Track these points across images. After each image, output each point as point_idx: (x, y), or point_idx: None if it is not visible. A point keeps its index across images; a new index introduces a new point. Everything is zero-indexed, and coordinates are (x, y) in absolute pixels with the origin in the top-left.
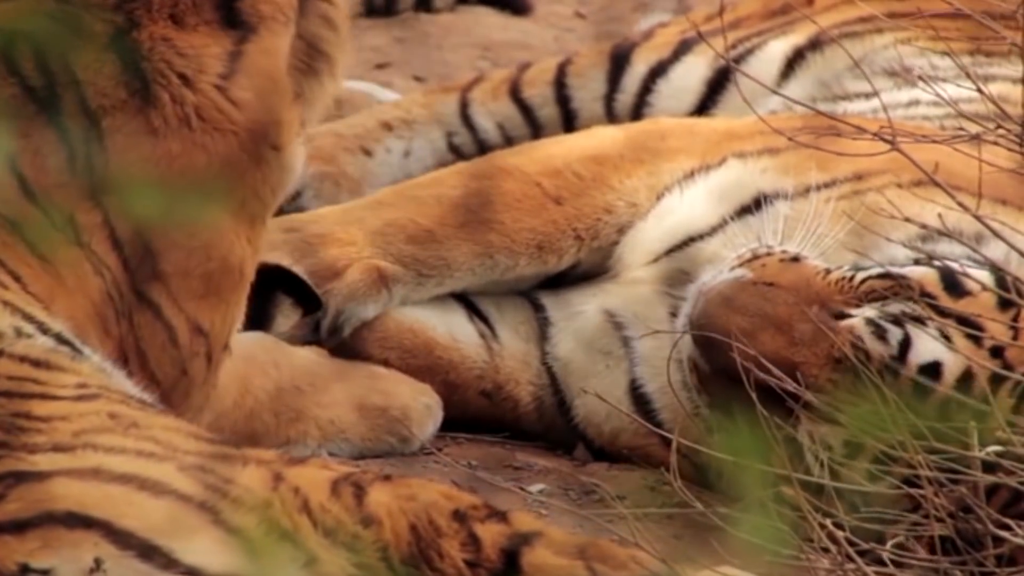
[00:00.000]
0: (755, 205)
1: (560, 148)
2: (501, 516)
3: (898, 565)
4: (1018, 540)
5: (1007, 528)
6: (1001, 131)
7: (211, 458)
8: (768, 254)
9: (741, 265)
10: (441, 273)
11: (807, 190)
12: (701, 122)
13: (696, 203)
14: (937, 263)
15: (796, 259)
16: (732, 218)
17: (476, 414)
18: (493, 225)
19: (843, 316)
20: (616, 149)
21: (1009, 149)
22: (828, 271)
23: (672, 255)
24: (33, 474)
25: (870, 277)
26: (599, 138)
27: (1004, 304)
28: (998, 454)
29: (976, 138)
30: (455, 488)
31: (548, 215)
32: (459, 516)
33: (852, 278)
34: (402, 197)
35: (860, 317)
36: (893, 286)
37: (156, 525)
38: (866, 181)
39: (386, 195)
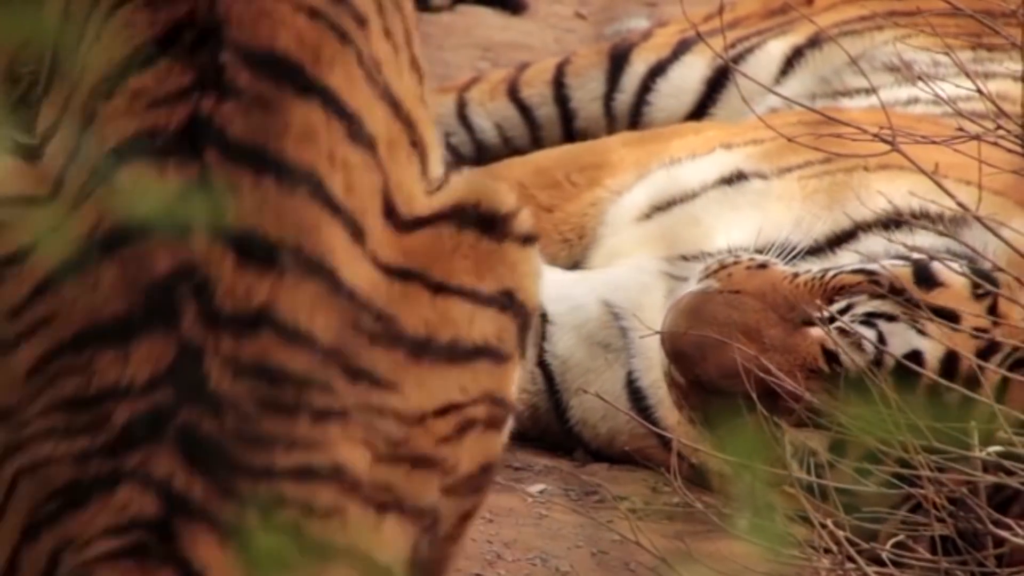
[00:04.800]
0: (734, 178)
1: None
2: None
3: (897, 565)
4: (1018, 540)
5: (1007, 527)
6: (1001, 132)
7: None
8: (735, 263)
9: (708, 276)
10: None
11: (785, 170)
12: (707, 126)
13: (680, 174)
14: (912, 256)
15: (763, 266)
16: (713, 185)
17: None
18: None
19: (812, 321)
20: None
21: (1009, 151)
22: (796, 275)
23: (658, 216)
24: None
25: (841, 273)
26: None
27: (979, 293)
28: (998, 453)
29: (976, 138)
30: None
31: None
32: None
33: (822, 277)
34: None
35: (831, 327)
36: (863, 281)
37: None
38: (839, 162)
39: None
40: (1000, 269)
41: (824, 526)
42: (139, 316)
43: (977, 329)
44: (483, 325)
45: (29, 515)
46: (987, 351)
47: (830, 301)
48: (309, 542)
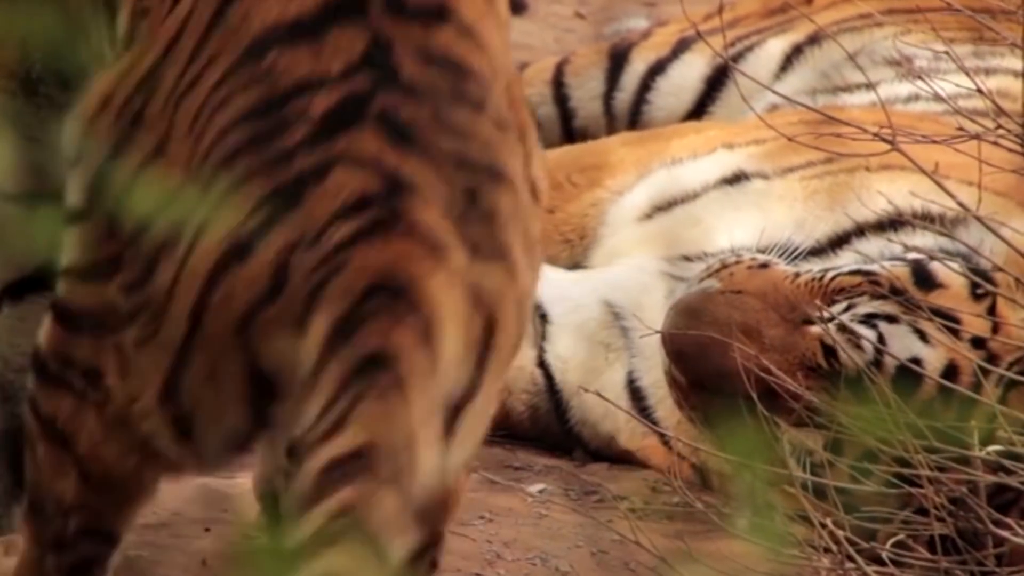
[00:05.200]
0: (736, 178)
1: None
2: None
3: (897, 564)
4: (1018, 540)
5: (1007, 527)
6: (1001, 131)
7: None
8: (736, 262)
9: (710, 276)
10: None
11: (787, 170)
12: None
13: (682, 173)
14: (910, 256)
15: (765, 265)
16: (715, 185)
17: None
18: None
19: (812, 321)
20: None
21: (1010, 150)
22: (797, 275)
23: (659, 216)
24: None
25: (840, 275)
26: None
27: (977, 293)
28: (998, 452)
29: (976, 138)
30: None
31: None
32: None
33: (822, 278)
34: None
35: (831, 324)
36: (862, 283)
37: None
38: (841, 162)
39: None
40: (1000, 269)
41: (824, 525)
42: (325, 10)
43: (977, 337)
44: (532, 215)
45: (227, 242)
46: (988, 362)
47: (831, 302)
48: (495, 243)
